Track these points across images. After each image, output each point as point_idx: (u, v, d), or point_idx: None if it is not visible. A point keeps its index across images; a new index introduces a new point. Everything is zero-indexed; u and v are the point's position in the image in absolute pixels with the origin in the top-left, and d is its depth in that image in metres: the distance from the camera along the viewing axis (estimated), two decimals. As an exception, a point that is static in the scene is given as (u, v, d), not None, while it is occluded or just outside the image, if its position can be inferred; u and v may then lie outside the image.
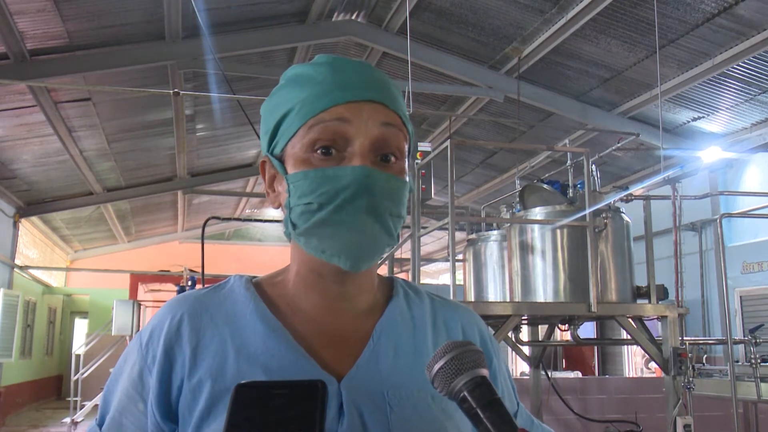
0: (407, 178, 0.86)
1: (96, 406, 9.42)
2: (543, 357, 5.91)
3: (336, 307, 0.88)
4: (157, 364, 0.83)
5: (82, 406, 10.13)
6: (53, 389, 16.13)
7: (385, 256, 6.41)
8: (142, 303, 12.51)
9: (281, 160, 0.86)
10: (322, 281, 0.87)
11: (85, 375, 10.62)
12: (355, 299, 0.89)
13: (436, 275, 19.83)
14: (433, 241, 16.41)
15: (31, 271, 13.25)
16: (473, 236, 6.07)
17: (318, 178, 0.81)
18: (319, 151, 0.82)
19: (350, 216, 0.80)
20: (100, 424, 0.87)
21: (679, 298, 9.42)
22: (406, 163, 0.87)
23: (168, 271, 13.69)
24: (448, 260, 5.22)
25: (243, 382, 0.69)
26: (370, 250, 0.83)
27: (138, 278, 13.38)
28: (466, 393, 0.69)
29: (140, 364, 0.85)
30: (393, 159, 0.84)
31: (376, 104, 0.83)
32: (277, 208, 0.89)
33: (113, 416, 0.85)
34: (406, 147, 0.87)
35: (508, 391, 0.95)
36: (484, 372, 0.70)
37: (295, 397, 0.67)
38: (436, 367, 0.71)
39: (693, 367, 5.15)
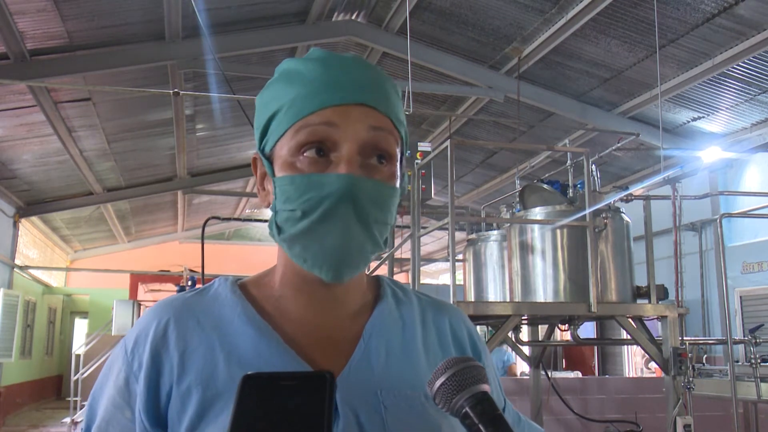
0: (398, 183, 0.84)
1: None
2: (543, 357, 5.91)
3: (325, 308, 0.87)
4: (143, 371, 0.82)
5: (82, 406, 10.13)
6: (53, 389, 16.13)
7: (384, 257, 6.41)
8: (142, 303, 12.52)
9: (270, 159, 0.84)
10: (309, 285, 0.85)
11: (85, 375, 10.62)
12: (344, 301, 0.88)
13: (436, 275, 19.83)
14: (433, 241, 16.40)
15: (31, 271, 13.25)
16: (473, 236, 6.07)
17: (303, 185, 0.79)
18: (305, 155, 0.80)
19: (334, 225, 0.78)
20: None
21: (679, 298, 9.42)
22: (398, 166, 0.85)
23: (168, 271, 13.70)
24: (448, 260, 5.22)
25: (250, 373, 0.69)
26: (354, 261, 0.81)
27: (138, 278, 13.39)
28: (468, 409, 0.68)
29: (126, 371, 0.83)
30: (382, 164, 0.82)
31: (366, 107, 0.81)
32: (267, 206, 0.87)
33: (99, 425, 0.83)
34: (398, 150, 0.85)
35: (496, 389, 0.95)
36: (486, 387, 0.70)
37: (302, 389, 0.67)
38: (438, 383, 0.70)
39: (693, 367, 5.15)
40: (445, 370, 0.71)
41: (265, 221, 0.94)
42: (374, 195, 0.80)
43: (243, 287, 0.90)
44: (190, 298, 0.89)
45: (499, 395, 0.96)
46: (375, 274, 1.00)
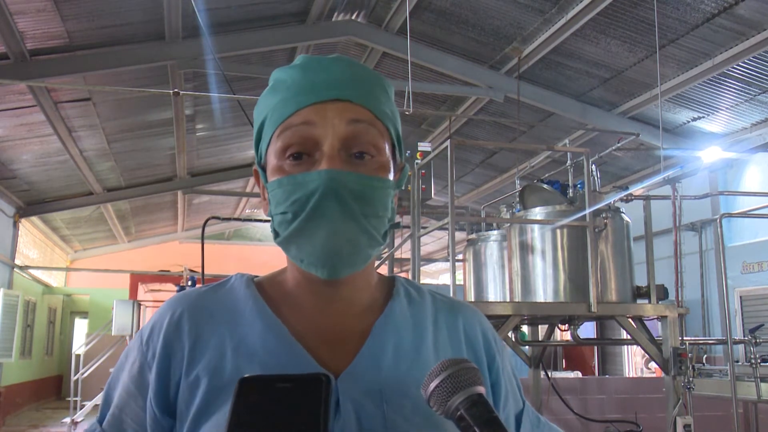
0: (390, 175, 0.85)
1: (96, 406, 9.41)
2: (543, 357, 5.91)
3: (332, 306, 0.88)
4: (156, 360, 0.84)
5: (82, 406, 10.13)
6: (53, 389, 16.13)
7: (384, 256, 6.41)
8: (142, 303, 12.51)
9: (264, 168, 0.87)
10: (313, 284, 0.86)
11: (85, 375, 10.62)
12: (351, 299, 0.88)
13: (436, 275, 19.83)
14: (433, 241, 16.40)
15: (31, 271, 13.25)
16: (473, 236, 6.06)
17: (289, 186, 0.80)
18: (290, 158, 0.81)
19: (320, 222, 0.79)
20: (101, 421, 0.87)
21: (679, 298, 9.41)
22: (388, 158, 0.85)
23: (168, 271, 13.69)
24: (448, 260, 5.21)
25: (247, 375, 0.69)
26: (348, 256, 0.81)
27: (138, 278, 13.37)
28: (463, 411, 0.68)
29: (140, 360, 0.86)
30: (367, 157, 0.82)
31: (342, 102, 0.82)
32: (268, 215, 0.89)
33: (113, 413, 0.86)
34: (385, 142, 0.85)
35: (513, 389, 0.95)
36: (481, 389, 0.70)
37: (299, 391, 0.67)
38: (432, 386, 0.70)
39: (693, 367, 5.15)
40: (439, 372, 0.70)
41: (265, 221, 0.96)
42: (357, 188, 0.80)
43: (258, 284, 0.92)
44: (206, 292, 0.91)
45: (517, 396, 0.95)
46: (390, 274, 0.99)
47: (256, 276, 0.95)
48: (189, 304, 0.89)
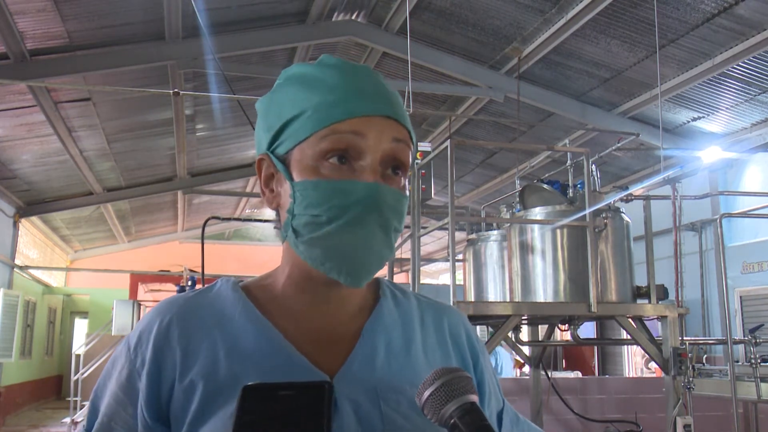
0: (407, 192, 0.88)
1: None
2: (543, 357, 5.91)
3: (327, 308, 0.88)
4: (146, 368, 0.83)
5: (82, 406, 10.13)
6: (53, 389, 16.13)
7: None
8: (142, 303, 12.52)
9: (284, 161, 0.85)
10: (313, 284, 0.87)
11: (85, 375, 10.63)
12: (345, 301, 0.89)
13: (436, 275, 19.83)
14: (433, 241, 16.40)
15: (31, 271, 13.25)
16: (473, 236, 6.06)
17: (329, 191, 0.81)
18: (331, 161, 0.82)
19: (359, 232, 0.80)
20: (89, 430, 0.86)
21: (679, 298, 9.41)
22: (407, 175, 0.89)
23: (168, 271, 13.70)
24: (448, 260, 5.21)
25: (250, 383, 0.70)
26: (373, 267, 0.84)
27: (138, 278, 13.38)
28: (456, 419, 0.69)
29: (129, 368, 0.85)
30: (397, 174, 0.85)
31: (389, 119, 0.84)
32: (275, 208, 0.89)
33: (102, 421, 0.85)
34: (410, 160, 0.88)
35: (494, 389, 0.97)
36: (474, 398, 0.71)
37: (302, 398, 0.68)
38: (426, 394, 0.71)
39: (693, 367, 5.15)
40: (433, 380, 0.71)
41: (265, 221, 0.95)
42: (394, 203, 0.83)
43: (245, 288, 0.92)
44: (193, 297, 0.91)
45: (498, 396, 0.98)
46: (379, 276, 1.01)
47: (241, 280, 0.95)
48: (177, 310, 0.88)
